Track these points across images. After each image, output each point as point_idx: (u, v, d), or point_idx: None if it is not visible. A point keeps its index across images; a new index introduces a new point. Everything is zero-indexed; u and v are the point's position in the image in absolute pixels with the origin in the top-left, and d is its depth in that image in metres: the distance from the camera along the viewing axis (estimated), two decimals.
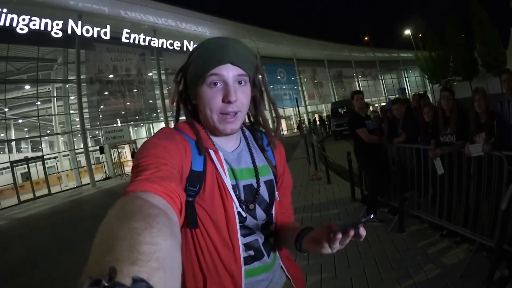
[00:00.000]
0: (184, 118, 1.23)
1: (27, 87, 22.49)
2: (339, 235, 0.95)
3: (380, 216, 5.51)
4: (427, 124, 5.03)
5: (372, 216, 0.97)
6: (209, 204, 1.10)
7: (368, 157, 5.63)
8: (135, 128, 29.66)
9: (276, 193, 1.29)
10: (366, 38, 55.49)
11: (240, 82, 1.10)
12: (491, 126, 3.93)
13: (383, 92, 55.14)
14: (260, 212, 1.21)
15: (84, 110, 23.26)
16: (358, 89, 52.20)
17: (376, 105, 44.43)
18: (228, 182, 1.13)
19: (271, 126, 1.32)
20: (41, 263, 6.69)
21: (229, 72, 1.07)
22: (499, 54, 33.35)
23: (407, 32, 45.27)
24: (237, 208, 1.13)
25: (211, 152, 1.14)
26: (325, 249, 1.00)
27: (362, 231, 0.96)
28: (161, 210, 0.64)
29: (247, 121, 1.33)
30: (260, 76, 1.26)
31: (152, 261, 0.45)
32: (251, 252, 1.20)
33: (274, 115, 1.32)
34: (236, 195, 1.15)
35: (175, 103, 1.23)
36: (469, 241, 4.09)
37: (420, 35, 42.78)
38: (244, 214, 1.16)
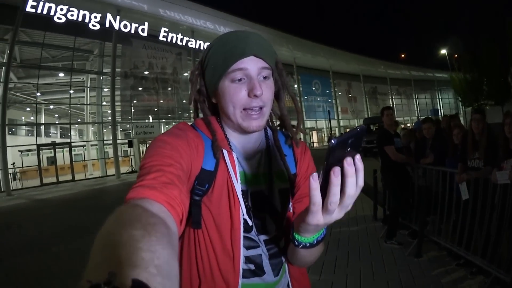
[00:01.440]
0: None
1: (61, 75, 23.13)
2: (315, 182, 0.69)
3: (399, 238, 5.37)
4: (456, 146, 4.91)
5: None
6: (215, 207, 1.04)
7: (393, 176, 5.48)
8: (166, 126, 29.99)
9: (290, 204, 1.18)
10: (403, 56, 54.82)
11: (264, 77, 1.04)
12: None
13: (416, 111, 54.15)
14: (269, 224, 1.12)
15: (116, 103, 23.64)
16: (392, 106, 51.70)
17: (408, 124, 43.63)
18: (238, 186, 1.06)
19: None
20: (53, 245, 6.82)
21: (253, 65, 1.02)
22: None
23: (443, 51, 44.32)
24: (243, 215, 1.06)
25: (225, 152, 1.08)
26: (315, 215, 0.74)
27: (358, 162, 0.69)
28: (161, 219, 0.63)
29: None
30: (280, 70, 1.17)
31: (151, 267, 0.45)
32: (252, 266, 1.09)
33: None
34: (244, 201, 1.07)
35: (192, 103, 1.18)
36: (485, 274, 3.93)
37: (456, 55, 41.92)
38: (250, 223, 1.08)
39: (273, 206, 1.13)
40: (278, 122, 1.27)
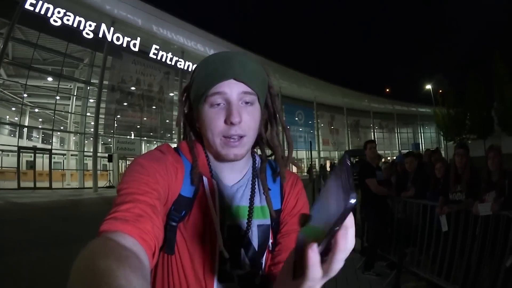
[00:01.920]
0: None
1: (50, 79, 22.94)
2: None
3: (377, 270, 5.36)
4: (438, 180, 5.00)
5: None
6: (190, 235, 0.99)
7: (373, 208, 5.55)
8: (147, 144, 29.74)
9: (270, 242, 1.09)
10: (388, 90, 55.88)
11: (247, 102, 0.98)
12: (503, 185, 3.87)
13: (397, 145, 54.92)
14: (244, 259, 1.04)
15: (100, 116, 23.44)
16: (373, 139, 52.12)
17: (388, 157, 44.22)
18: (217, 218, 0.99)
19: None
20: (22, 251, 6.64)
21: (233, 89, 0.95)
22: None
23: (428, 86, 45.42)
24: (219, 247, 0.99)
25: (205, 180, 1.03)
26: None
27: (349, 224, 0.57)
28: (134, 253, 0.63)
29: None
30: (273, 97, 1.12)
31: None
32: None
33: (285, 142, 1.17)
34: (222, 234, 1.01)
35: (181, 125, 1.13)
36: None
37: (440, 91, 42.96)
38: (227, 255, 0.99)
39: (249, 242, 1.04)
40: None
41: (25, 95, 22.16)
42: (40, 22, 20.11)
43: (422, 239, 4.89)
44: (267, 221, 1.08)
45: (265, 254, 1.08)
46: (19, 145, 20.19)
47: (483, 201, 3.86)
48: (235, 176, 1.08)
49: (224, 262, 1.00)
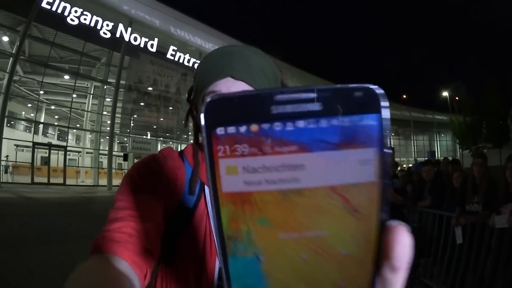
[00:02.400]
0: None
1: (67, 77, 23.24)
2: None
3: None
4: (455, 190, 4.90)
5: None
6: (190, 246, 0.93)
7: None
8: (163, 145, 29.89)
9: None
10: (405, 96, 55.37)
11: None
12: None
13: (413, 153, 54.30)
14: None
15: (116, 115, 23.65)
16: None
17: (404, 165, 43.74)
18: (216, 230, 0.88)
19: None
20: (33, 246, 6.67)
21: (230, 88, 0.85)
22: None
23: (445, 93, 44.82)
24: (220, 262, 0.90)
25: (207, 189, 0.91)
26: None
27: None
28: (124, 276, 0.62)
29: None
30: None
31: None
32: None
33: None
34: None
35: (191, 124, 1.06)
36: None
37: (456, 98, 42.40)
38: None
39: None
40: None
41: (42, 92, 22.50)
42: (57, 20, 20.36)
43: (436, 250, 4.81)
44: None
45: None
46: (34, 140, 20.48)
47: (500, 213, 3.75)
48: None
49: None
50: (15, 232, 7.55)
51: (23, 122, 25.03)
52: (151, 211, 0.81)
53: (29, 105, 24.44)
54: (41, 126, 23.39)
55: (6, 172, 19.70)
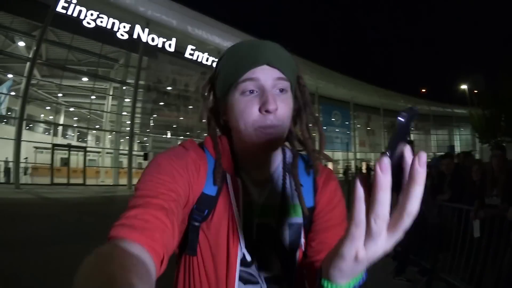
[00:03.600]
0: None
1: (85, 79, 23.53)
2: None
3: (408, 275, 5.24)
4: (474, 183, 4.86)
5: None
6: (213, 235, 0.96)
7: None
8: None
9: (302, 240, 1.03)
10: (424, 90, 54.71)
11: (281, 90, 0.91)
12: None
13: (432, 147, 53.57)
14: (273, 261, 1.01)
15: (136, 115, 23.89)
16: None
17: None
18: (240, 218, 0.96)
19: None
20: (53, 244, 6.78)
21: (267, 75, 0.88)
22: None
23: (463, 87, 43.97)
24: (241, 249, 0.96)
25: (229, 177, 0.98)
26: (354, 242, 0.54)
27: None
28: (140, 261, 0.60)
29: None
30: (302, 87, 1.05)
31: None
32: None
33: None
34: (248, 234, 0.98)
35: (205, 120, 1.07)
36: None
37: (475, 91, 41.61)
38: (249, 258, 0.97)
39: (280, 242, 1.00)
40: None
41: (60, 95, 22.92)
42: (73, 24, 20.61)
43: (455, 245, 4.77)
44: (299, 220, 1.02)
45: (297, 254, 1.03)
46: (54, 142, 20.87)
47: None
48: (264, 172, 1.04)
49: (248, 264, 0.98)
50: (35, 232, 7.66)
51: (42, 125, 25.52)
52: (173, 198, 0.81)
53: (48, 107, 24.90)
54: (60, 128, 23.84)
55: (25, 173, 20.10)
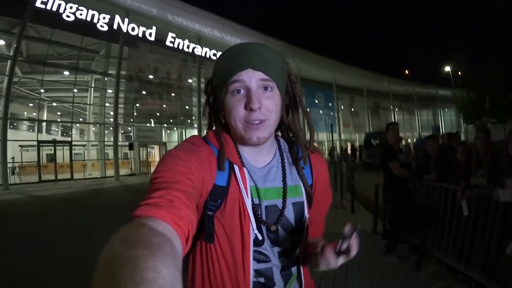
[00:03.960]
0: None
1: (66, 73, 23.15)
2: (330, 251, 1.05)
3: (399, 253, 5.37)
4: (459, 164, 4.94)
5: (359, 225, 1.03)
6: (228, 221, 1.06)
7: (395, 191, 5.49)
8: (168, 131, 30.13)
9: (307, 216, 1.18)
10: (407, 72, 55.03)
11: (266, 88, 1.03)
12: None
13: (417, 128, 54.09)
14: (283, 236, 1.13)
15: (119, 105, 23.68)
16: (394, 121, 51.32)
17: (409, 140, 43.64)
18: (249, 202, 1.07)
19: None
20: (48, 244, 6.76)
21: (251, 77, 1.01)
22: None
23: (447, 68, 44.25)
24: (253, 230, 1.07)
25: (236, 167, 1.09)
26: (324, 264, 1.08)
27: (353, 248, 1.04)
28: (166, 239, 0.62)
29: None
30: (293, 83, 1.17)
31: (155, 287, 0.46)
32: (262, 280, 1.13)
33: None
34: (257, 215, 1.08)
35: (207, 115, 1.20)
36: None
37: (459, 72, 41.93)
38: (260, 237, 1.09)
39: (287, 220, 1.13)
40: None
41: (42, 91, 22.52)
42: (52, 18, 20.20)
43: (443, 223, 4.88)
44: (301, 198, 1.17)
45: (304, 228, 1.17)
46: (39, 139, 20.54)
47: (503, 186, 3.76)
48: (264, 159, 1.15)
49: (261, 243, 1.10)
50: (28, 233, 7.64)
51: (26, 122, 25.09)
52: (191, 185, 0.89)
53: (31, 104, 24.48)
54: (44, 124, 23.49)
55: (13, 173, 19.81)
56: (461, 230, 4.45)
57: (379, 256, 5.44)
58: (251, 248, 1.07)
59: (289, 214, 1.13)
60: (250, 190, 1.08)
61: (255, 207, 1.08)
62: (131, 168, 25.13)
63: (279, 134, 1.26)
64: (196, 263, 1.10)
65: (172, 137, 30.66)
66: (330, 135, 24.68)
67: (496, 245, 3.78)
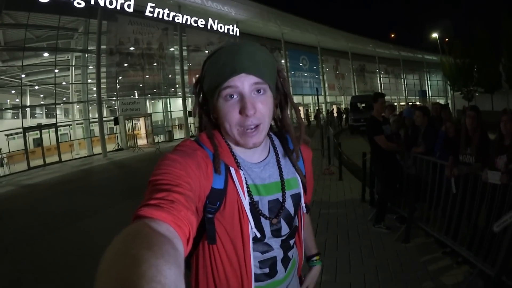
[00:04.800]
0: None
1: (46, 54, 22.54)
2: None
3: (387, 223, 5.48)
4: (448, 139, 4.93)
5: None
6: (228, 222, 1.09)
7: (383, 163, 5.50)
8: (152, 102, 29.86)
9: (303, 205, 1.26)
10: (393, 36, 54.80)
11: (258, 91, 1.03)
12: None
13: (403, 91, 54.33)
14: (284, 227, 1.19)
15: (101, 80, 23.27)
16: (379, 85, 51.44)
17: (395, 103, 43.88)
18: (246, 202, 1.09)
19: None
20: (45, 235, 6.77)
21: (244, 82, 1.00)
22: None
23: (434, 35, 44.00)
24: (252, 229, 1.11)
25: (232, 170, 1.10)
26: None
27: None
28: (167, 239, 0.62)
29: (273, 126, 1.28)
30: (283, 80, 1.17)
31: (158, 286, 0.46)
32: (266, 270, 1.18)
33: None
34: (258, 211, 1.11)
35: (197, 116, 1.18)
36: (470, 264, 4.03)
37: (446, 39, 41.78)
38: (259, 235, 1.13)
39: (287, 211, 1.18)
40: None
41: (23, 76, 21.79)
42: (28, 2, 19.49)
43: (431, 196, 4.90)
44: (298, 190, 1.23)
45: (301, 215, 1.28)
46: (24, 126, 20.05)
47: (494, 164, 3.83)
48: (259, 156, 1.18)
49: (260, 240, 1.14)
50: (24, 227, 7.61)
51: (9, 110, 24.46)
52: (189, 189, 0.88)
53: (13, 91, 23.71)
54: (28, 109, 22.92)
55: (1, 165, 19.32)
56: (449, 205, 4.50)
57: (368, 226, 5.59)
58: (251, 245, 1.11)
59: (289, 206, 1.19)
60: (250, 189, 1.11)
61: (255, 205, 1.11)
62: (117, 143, 24.86)
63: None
64: (200, 262, 1.14)
65: (157, 108, 30.46)
66: (316, 97, 24.68)
67: (484, 224, 3.86)
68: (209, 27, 30.74)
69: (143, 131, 28.04)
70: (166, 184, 0.84)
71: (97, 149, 22.89)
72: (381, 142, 5.35)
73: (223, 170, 1.08)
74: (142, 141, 26.59)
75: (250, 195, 1.11)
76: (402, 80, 55.84)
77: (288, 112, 1.23)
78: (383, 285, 3.90)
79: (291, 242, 1.25)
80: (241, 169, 1.11)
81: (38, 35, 21.92)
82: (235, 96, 1.01)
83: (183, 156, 0.98)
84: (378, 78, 52.40)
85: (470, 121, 4.33)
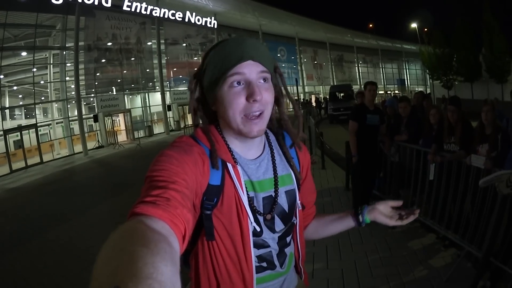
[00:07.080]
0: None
1: (24, 54, 22.05)
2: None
3: None
4: (431, 126, 5.04)
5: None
6: (226, 218, 1.10)
7: (359, 153, 5.39)
8: (130, 97, 29.38)
9: (298, 202, 1.27)
10: (371, 25, 55.08)
11: (264, 79, 1.07)
12: (495, 139, 3.97)
13: (382, 80, 54.73)
14: (278, 223, 1.20)
15: (80, 78, 22.94)
16: (358, 74, 51.43)
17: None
18: (245, 197, 1.11)
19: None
20: (32, 239, 6.70)
21: (252, 69, 1.04)
22: (504, 64, 33.06)
23: (414, 25, 44.35)
24: (251, 223, 1.12)
25: (229, 166, 1.11)
26: (392, 221, 1.38)
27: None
28: (163, 237, 0.63)
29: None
30: (281, 76, 1.21)
31: (154, 283, 0.45)
32: (264, 264, 1.20)
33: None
34: (253, 207, 1.13)
35: (192, 112, 1.18)
36: (457, 246, 4.16)
37: (425, 29, 42.16)
38: (258, 229, 1.15)
39: (281, 207, 1.19)
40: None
41: (1, 76, 21.15)
42: (5, 1, 18.83)
43: (416, 183, 5.00)
44: (293, 186, 1.24)
45: (297, 213, 1.28)
46: (4, 128, 19.42)
47: (476, 152, 3.99)
48: (254, 152, 1.19)
49: (259, 233, 1.16)
50: (10, 232, 7.50)
51: None
52: (185, 186, 0.90)
53: None
54: (7, 111, 22.26)
55: None
56: (433, 192, 4.62)
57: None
58: (251, 239, 1.13)
59: (283, 202, 1.20)
60: (245, 185, 1.12)
61: (251, 201, 1.13)
62: (98, 141, 24.49)
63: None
64: (199, 257, 1.14)
65: (136, 103, 29.94)
66: (296, 88, 24.78)
67: (469, 208, 4.01)
68: (186, 20, 30.45)
69: (122, 127, 27.63)
70: (162, 181, 0.86)
71: (78, 148, 22.52)
72: (350, 127, 5.35)
73: (220, 165, 1.09)
74: (122, 137, 26.21)
75: (246, 191, 1.12)
76: (381, 69, 56.13)
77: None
78: (374, 270, 4.00)
79: (288, 239, 1.26)
80: (238, 165, 1.12)
81: (15, 34, 21.27)
82: (241, 83, 1.03)
83: (179, 152, 0.99)
84: (357, 68, 52.64)
85: (451, 114, 4.49)
